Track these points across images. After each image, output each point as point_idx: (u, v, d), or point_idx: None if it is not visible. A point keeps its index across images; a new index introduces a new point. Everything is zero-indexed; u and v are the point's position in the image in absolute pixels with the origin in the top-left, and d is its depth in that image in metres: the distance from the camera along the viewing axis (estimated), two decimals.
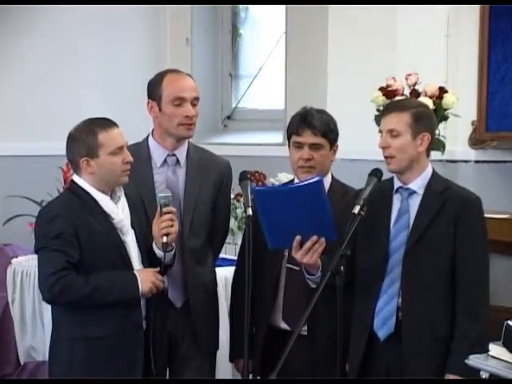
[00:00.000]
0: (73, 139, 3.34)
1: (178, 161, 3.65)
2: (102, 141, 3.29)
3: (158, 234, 3.39)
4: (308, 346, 3.45)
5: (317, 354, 3.45)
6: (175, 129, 3.59)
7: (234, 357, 3.74)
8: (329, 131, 3.51)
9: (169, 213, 3.39)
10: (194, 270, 3.65)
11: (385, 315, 3.23)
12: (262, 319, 3.59)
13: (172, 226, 3.39)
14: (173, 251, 3.45)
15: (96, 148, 3.29)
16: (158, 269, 3.40)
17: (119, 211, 3.36)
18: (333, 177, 3.63)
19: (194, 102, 3.60)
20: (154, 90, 3.61)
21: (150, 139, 3.68)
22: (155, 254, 3.43)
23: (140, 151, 3.61)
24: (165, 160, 3.64)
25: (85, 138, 3.30)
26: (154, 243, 3.43)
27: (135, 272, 3.35)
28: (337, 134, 3.56)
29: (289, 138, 3.58)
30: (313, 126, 3.48)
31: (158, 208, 3.40)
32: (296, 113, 3.59)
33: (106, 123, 3.34)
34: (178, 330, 3.66)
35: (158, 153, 3.65)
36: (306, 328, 3.46)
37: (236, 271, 3.78)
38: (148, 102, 3.63)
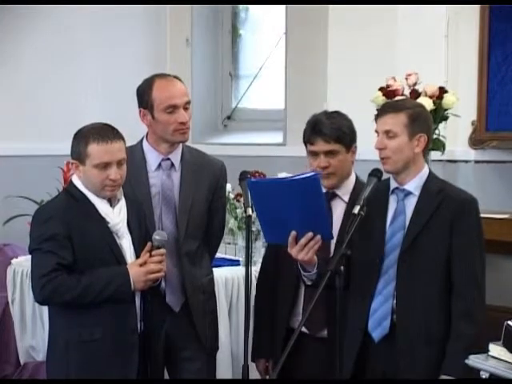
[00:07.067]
0: (74, 138, 3.33)
1: (172, 164, 3.65)
2: (89, 151, 3.25)
3: (140, 277, 3.31)
4: (328, 348, 3.33)
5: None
6: (171, 135, 3.58)
7: (255, 356, 3.68)
8: (341, 135, 3.45)
9: (160, 255, 3.35)
10: (191, 272, 3.64)
11: (379, 316, 3.22)
12: (282, 321, 3.55)
13: (159, 271, 3.35)
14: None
15: (84, 156, 3.27)
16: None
17: (115, 215, 3.33)
18: (357, 177, 3.57)
19: (186, 106, 3.57)
20: (144, 98, 3.59)
21: (145, 143, 3.67)
22: None
23: (134, 154, 3.59)
24: (159, 164, 3.64)
25: (79, 143, 3.29)
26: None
27: (128, 268, 3.30)
28: (352, 135, 3.50)
29: (306, 146, 3.54)
30: (323, 134, 3.43)
31: (148, 246, 3.36)
32: (308, 120, 3.53)
33: (105, 135, 3.26)
34: (177, 333, 3.64)
35: (152, 157, 3.64)
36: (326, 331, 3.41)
37: (259, 273, 3.75)
38: (140, 111, 3.61)
